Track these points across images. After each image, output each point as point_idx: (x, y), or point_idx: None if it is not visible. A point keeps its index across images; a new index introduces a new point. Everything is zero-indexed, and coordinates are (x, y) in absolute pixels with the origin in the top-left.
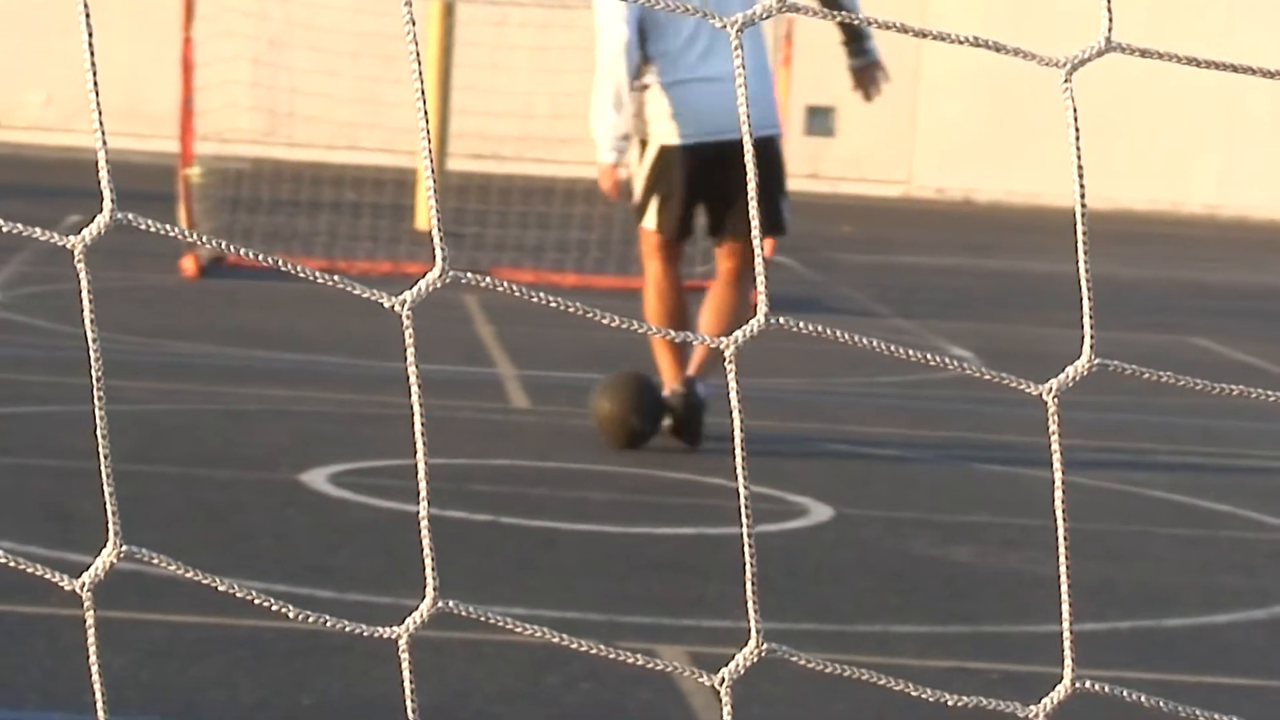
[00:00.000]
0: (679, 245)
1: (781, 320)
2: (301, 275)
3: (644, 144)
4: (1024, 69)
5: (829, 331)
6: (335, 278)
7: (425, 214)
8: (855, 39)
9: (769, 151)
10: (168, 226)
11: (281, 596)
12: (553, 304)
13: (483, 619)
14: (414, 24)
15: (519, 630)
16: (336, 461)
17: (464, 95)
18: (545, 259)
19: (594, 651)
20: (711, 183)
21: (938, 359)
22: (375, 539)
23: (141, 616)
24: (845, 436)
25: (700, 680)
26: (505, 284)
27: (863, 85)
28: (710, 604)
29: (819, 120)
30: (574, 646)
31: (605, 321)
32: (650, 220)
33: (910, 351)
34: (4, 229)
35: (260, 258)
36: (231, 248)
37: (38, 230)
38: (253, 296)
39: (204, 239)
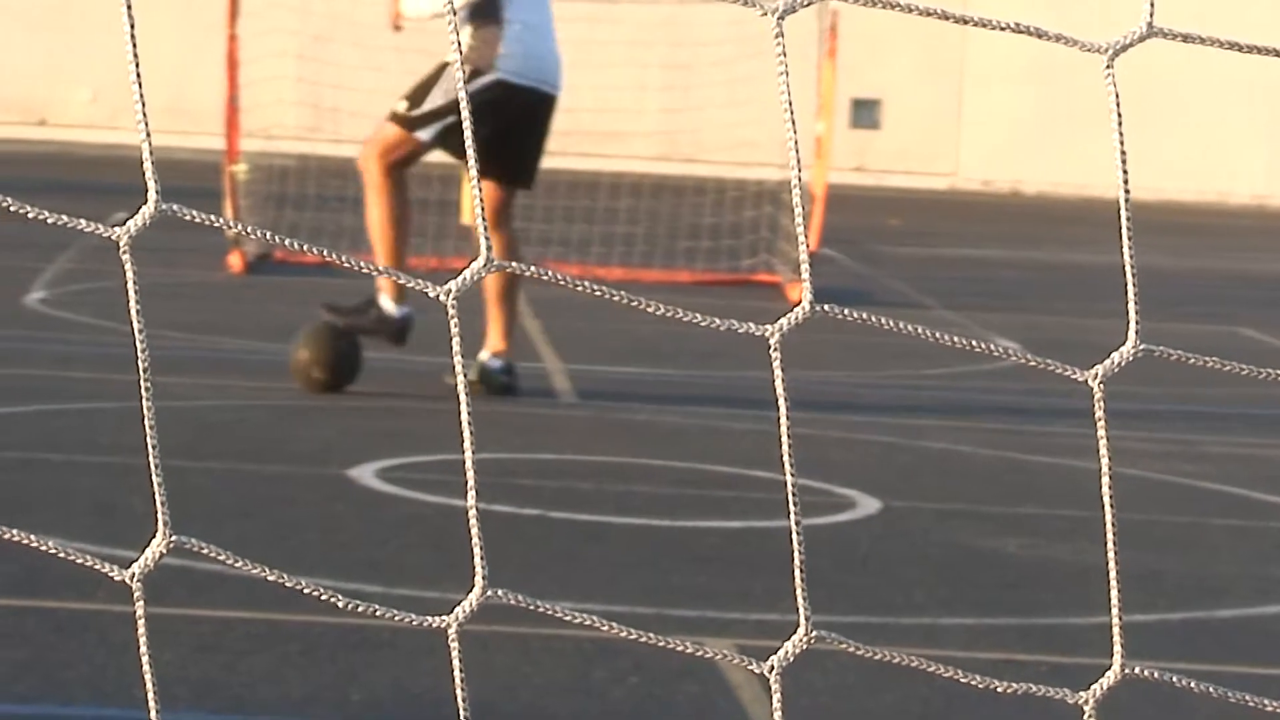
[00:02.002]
0: (413, 164)
1: (826, 307)
2: (347, 265)
3: (477, 72)
4: (1070, 60)
5: (874, 319)
6: (380, 267)
7: (470, 209)
8: None
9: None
10: (212, 217)
11: (330, 591)
12: (597, 293)
13: (532, 608)
14: (455, 12)
15: (567, 618)
16: (384, 456)
17: None
18: (590, 253)
19: (642, 639)
20: (517, 129)
21: (983, 345)
22: (423, 534)
23: (190, 612)
24: (892, 429)
25: (749, 668)
26: (548, 272)
27: None
28: (758, 597)
29: (865, 113)
30: (622, 634)
31: (650, 310)
32: (427, 133)
33: (956, 338)
34: (50, 222)
35: (306, 248)
36: (276, 238)
37: (83, 222)
38: (299, 292)
39: (247, 229)
